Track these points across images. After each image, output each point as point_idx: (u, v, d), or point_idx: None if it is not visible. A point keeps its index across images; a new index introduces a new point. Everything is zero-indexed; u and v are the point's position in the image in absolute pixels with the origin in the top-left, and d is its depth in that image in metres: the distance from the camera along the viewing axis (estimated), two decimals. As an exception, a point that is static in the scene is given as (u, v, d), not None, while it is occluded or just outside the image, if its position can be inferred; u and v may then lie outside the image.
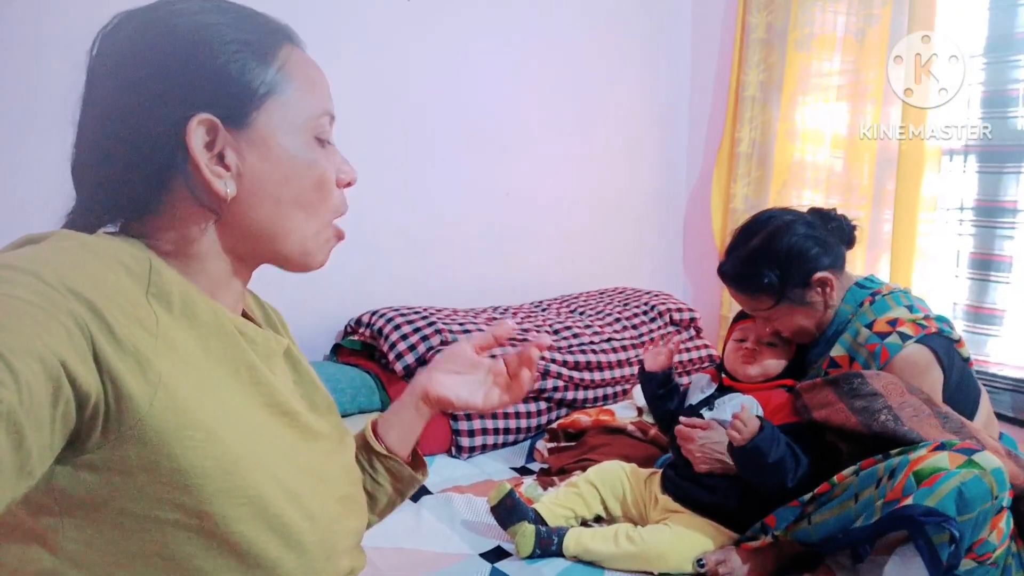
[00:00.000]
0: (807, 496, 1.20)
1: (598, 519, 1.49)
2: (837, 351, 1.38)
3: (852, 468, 1.15)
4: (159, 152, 0.57)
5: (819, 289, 1.38)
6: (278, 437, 0.62)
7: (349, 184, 0.68)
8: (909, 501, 1.02)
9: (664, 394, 1.53)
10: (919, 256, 2.16)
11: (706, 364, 2.36)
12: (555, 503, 1.44)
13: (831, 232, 1.42)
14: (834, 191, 2.45)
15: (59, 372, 0.44)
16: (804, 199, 2.53)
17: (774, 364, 1.46)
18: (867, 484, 1.11)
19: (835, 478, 1.16)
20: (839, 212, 1.45)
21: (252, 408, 0.60)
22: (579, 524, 1.45)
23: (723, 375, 1.52)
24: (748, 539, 1.29)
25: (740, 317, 1.55)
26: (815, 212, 1.45)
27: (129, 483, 0.50)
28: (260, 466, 0.57)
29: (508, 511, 1.38)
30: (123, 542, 0.51)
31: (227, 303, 0.65)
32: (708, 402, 1.48)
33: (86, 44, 0.60)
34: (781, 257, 1.37)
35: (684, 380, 2.01)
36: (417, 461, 0.89)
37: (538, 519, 1.39)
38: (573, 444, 1.83)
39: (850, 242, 1.44)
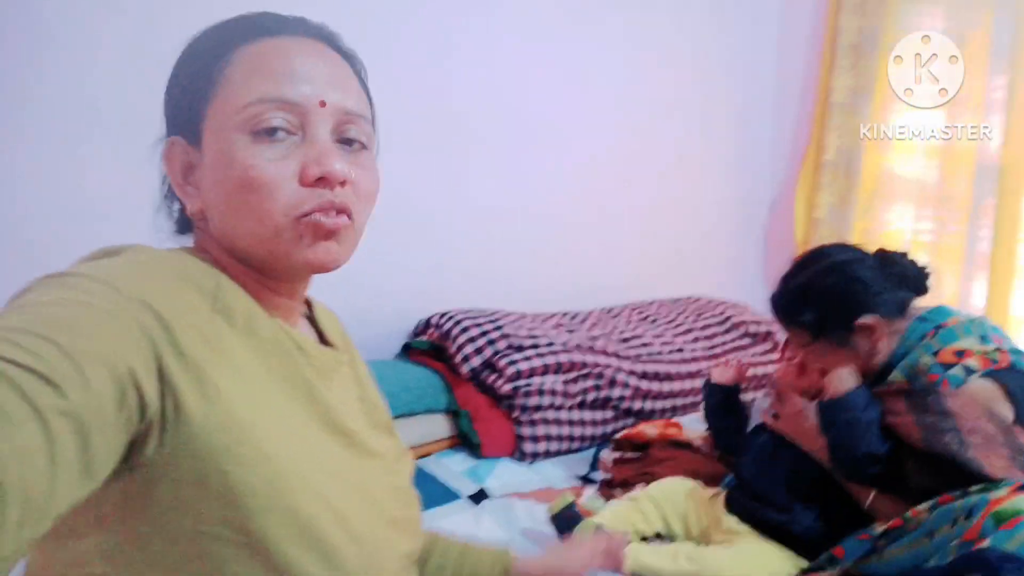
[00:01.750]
0: (879, 529, 1.14)
1: (658, 536, 1.46)
2: (896, 376, 1.31)
3: (927, 504, 1.09)
4: (165, 174, 0.65)
5: (864, 335, 1.32)
6: (331, 456, 0.62)
7: (320, 180, 0.58)
8: (986, 544, 0.96)
9: (725, 409, 1.50)
10: (1020, 277, 2.03)
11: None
12: (615, 517, 1.43)
13: (891, 277, 1.34)
14: (927, 204, 2.34)
15: (126, 379, 0.45)
16: (893, 212, 2.42)
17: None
18: (943, 522, 1.05)
19: (909, 513, 1.10)
20: (910, 258, 1.37)
21: (308, 426, 0.60)
22: (639, 540, 1.43)
23: None
24: (814, 569, 1.24)
25: None
26: (880, 254, 1.39)
27: (180, 495, 0.51)
28: (309, 486, 0.56)
29: (567, 521, 1.37)
30: (171, 553, 0.52)
31: (280, 315, 0.65)
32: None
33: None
34: (824, 297, 1.34)
35: (749, 397, 1.95)
36: None
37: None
38: (638, 456, 1.81)
39: (919, 289, 1.36)
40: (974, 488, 1.06)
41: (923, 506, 1.09)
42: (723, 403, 1.50)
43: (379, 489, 0.67)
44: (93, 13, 1.56)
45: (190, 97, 0.61)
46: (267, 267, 0.62)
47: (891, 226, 2.48)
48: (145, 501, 0.51)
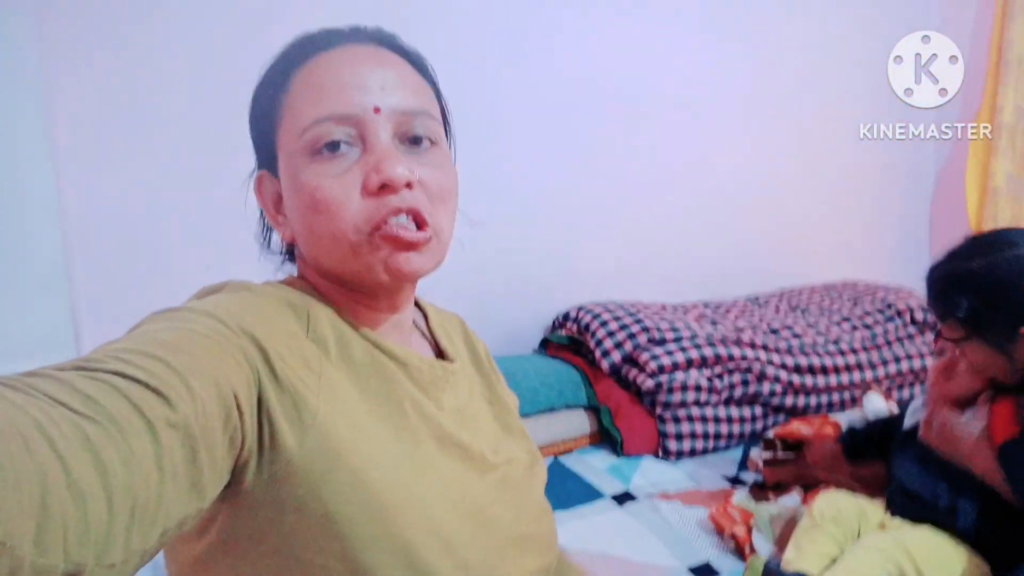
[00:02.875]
0: None
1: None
2: None
3: None
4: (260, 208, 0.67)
5: None
6: (442, 475, 0.60)
7: (382, 188, 0.57)
8: None
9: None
10: None
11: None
12: (818, 553, 1.29)
13: None
14: None
15: (231, 400, 0.46)
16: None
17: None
18: None
19: None
20: None
21: (416, 446, 0.59)
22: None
23: None
24: None
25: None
26: None
27: (281, 523, 0.51)
28: (413, 512, 0.55)
29: None
30: None
31: (381, 330, 0.65)
32: None
33: None
34: (995, 291, 1.16)
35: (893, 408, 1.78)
36: None
37: None
38: (791, 456, 1.70)
39: None
40: None
41: None
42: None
43: (500, 506, 0.65)
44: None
45: (263, 130, 0.62)
46: (357, 284, 0.62)
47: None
48: (252, 529, 0.52)
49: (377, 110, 0.58)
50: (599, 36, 2.11)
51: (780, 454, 1.73)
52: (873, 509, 1.32)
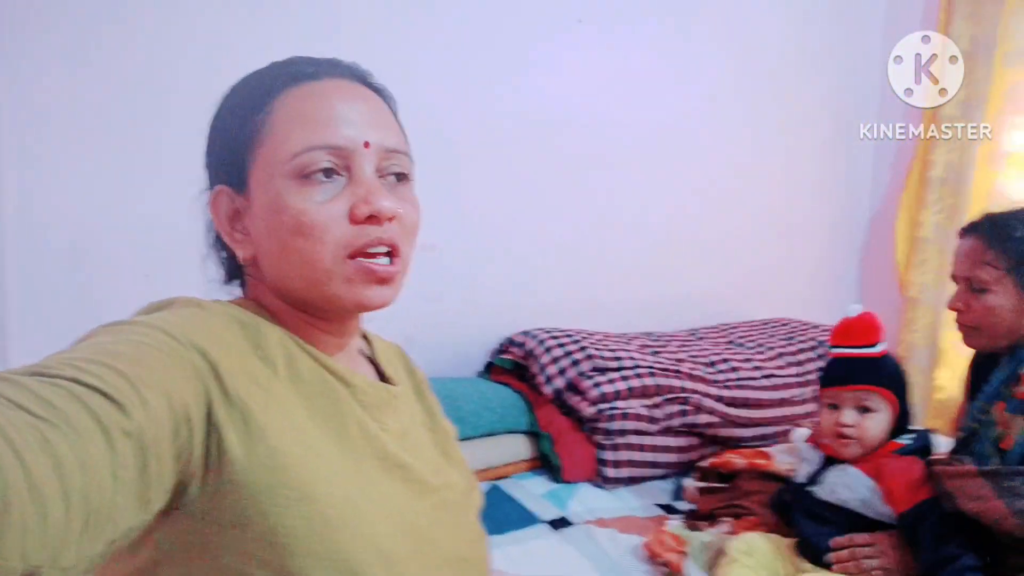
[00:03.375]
0: None
1: None
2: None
3: None
4: (211, 222, 0.66)
5: None
6: (384, 494, 0.61)
7: (370, 218, 0.60)
8: None
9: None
10: None
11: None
12: None
13: None
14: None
15: (182, 413, 0.47)
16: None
17: (873, 433, 1.28)
18: None
19: None
20: None
21: (358, 464, 0.61)
22: None
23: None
24: None
25: (829, 381, 1.35)
26: None
27: (222, 535, 0.51)
28: (355, 527, 0.56)
29: None
30: None
31: (330, 352, 0.66)
32: (815, 479, 1.34)
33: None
34: None
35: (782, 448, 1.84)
36: None
37: None
38: (724, 486, 1.74)
39: None
40: None
41: None
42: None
43: (438, 527, 0.66)
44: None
45: (234, 147, 0.63)
46: (318, 308, 0.64)
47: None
48: (192, 541, 0.52)
49: (367, 145, 0.62)
50: (561, 72, 2.16)
51: (713, 484, 1.77)
52: (790, 549, 1.36)
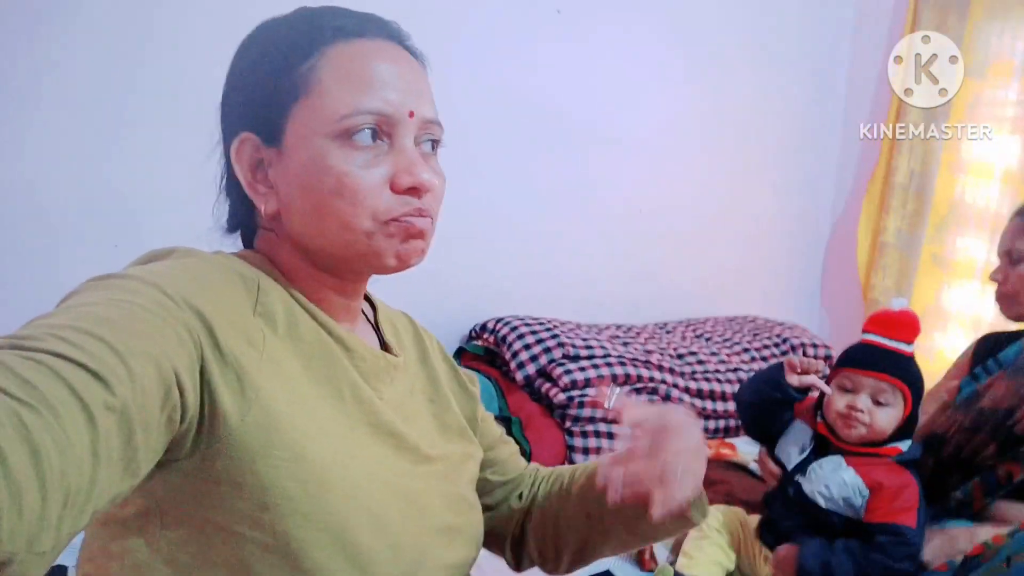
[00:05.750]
0: (958, 559, 1.10)
1: None
2: None
3: (1009, 529, 1.05)
4: (231, 171, 0.64)
5: None
6: (376, 459, 0.61)
7: (411, 189, 0.61)
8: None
9: (773, 404, 1.34)
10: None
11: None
12: (708, 561, 1.33)
13: None
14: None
15: (171, 378, 0.46)
16: (966, 238, 2.34)
17: (883, 425, 1.25)
18: (1021, 547, 1.00)
19: (991, 539, 1.06)
20: None
21: (352, 428, 0.60)
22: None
23: (820, 419, 1.32)
24: None
25: (851, 363, 1.31)
26: None
27: (215, 494, 0.51)
28: (348, 490, 0.56)
29: None
30: (207, 550, 0.52)
31: (335, 315, 0.65)
32: (803, 467, 1.31)
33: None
34: None
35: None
36: None
37: None
38: (690, 474, 1.77)
39: None
40: None
41: (1005, 531, 1.05)
42: (776, 395, 1.32)
43: (430, 495, 0.66)
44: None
45: (270, 96, 0.60)
46: (344, 267, 0.63)
47: (962, 255, 2.40)
48: (186, 499, 0.52)
49: (412, 115, 0.61)
50: (541, 59, 2.17)
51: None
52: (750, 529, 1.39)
